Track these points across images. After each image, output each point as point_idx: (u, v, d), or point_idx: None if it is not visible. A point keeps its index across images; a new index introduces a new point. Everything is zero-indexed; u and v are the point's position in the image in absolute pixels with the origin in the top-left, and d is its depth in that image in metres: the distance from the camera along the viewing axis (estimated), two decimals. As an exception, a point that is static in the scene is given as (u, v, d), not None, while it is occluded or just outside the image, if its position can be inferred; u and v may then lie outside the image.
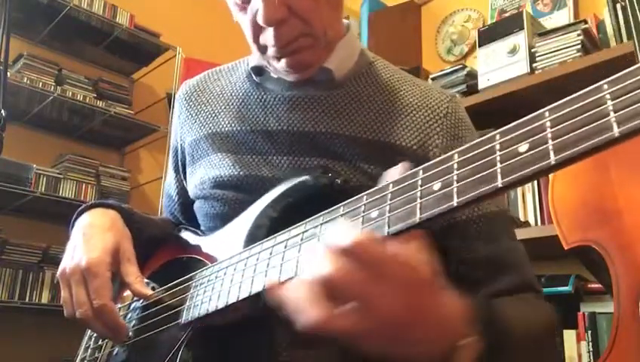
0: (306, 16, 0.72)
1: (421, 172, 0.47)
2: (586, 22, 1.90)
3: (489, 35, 2.09)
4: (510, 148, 0.42)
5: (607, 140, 0.37)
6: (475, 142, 0.45)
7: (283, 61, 0.76)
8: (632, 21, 1.72)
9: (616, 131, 0.36)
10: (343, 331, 0.45)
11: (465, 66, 2.23)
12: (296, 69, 0.77)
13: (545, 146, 0.39)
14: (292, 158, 0.76)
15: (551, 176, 0.87)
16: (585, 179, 0.83)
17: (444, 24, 2.68)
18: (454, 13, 2.66)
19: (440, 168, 0.46)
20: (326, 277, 0.44)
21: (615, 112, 0.37)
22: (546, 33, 1.95)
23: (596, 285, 1.58)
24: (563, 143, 0.39)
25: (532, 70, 1.93)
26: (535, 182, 1.84)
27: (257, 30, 0.75)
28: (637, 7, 1.73)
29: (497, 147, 0.43)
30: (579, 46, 1.83)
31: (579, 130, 0.38)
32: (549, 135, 0.40)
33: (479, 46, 2.11)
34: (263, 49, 0.77)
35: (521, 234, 1.76)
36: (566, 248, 0.83)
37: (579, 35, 1.85)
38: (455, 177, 0.44)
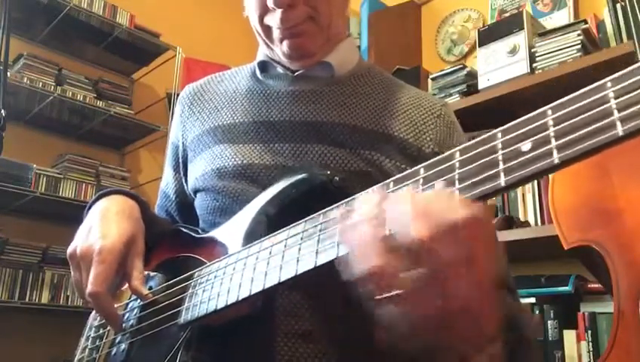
0: (314, 4, 0.77)
1: (422, 170, 0.46)
2: (585, 22, 1.90)
3: (489, 35, 2.09)
4: (512, 147, 0.41)
5: (612, 139, 0.36)
6: (476, 140, 0.44)
7: (285, 44, 0.79)
8: (632, 21, 1.72)
9: (620, 130, 0.36)
10: (408, 288, 0.42)
11: (465, 66, 2.23)
12: (297, 53, 0.81)
13: (548, 146, 0.39)
14: (294, 145, 0.78)
15: (551, 176, 0.87)
16: (585, 178, 0.83)
17: (444, 24, 2.68)
18: (454, 13, 2.65)
19: (441, 167, 0.45)
20: (422, 241, 0.41)
21: (619, 111, 0.36)
22: (546, 33, 1.95)
23: (596, 285, 1.58)
24: (566, 142, 0.38)
25: (532, 70, 1.93)
26: (535, 182, 1.84)
27: (264, 11, 0.79)
28: (637, 7, 1.73)
29: (499, 146, 0.42)
30: (579, 46, 1.83)
31: (582, 129, 0.38)
32: (552, 133, 0.39)
33: (479, 46, 2.11)
34: (266, 31, 0.81)
35: (521, 234, 1.78)
36: (566, 248, 0.83)
37: (579, 35, 1.85)
38: (457, 176, 0.43)
